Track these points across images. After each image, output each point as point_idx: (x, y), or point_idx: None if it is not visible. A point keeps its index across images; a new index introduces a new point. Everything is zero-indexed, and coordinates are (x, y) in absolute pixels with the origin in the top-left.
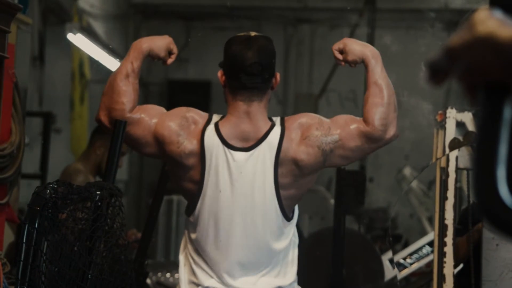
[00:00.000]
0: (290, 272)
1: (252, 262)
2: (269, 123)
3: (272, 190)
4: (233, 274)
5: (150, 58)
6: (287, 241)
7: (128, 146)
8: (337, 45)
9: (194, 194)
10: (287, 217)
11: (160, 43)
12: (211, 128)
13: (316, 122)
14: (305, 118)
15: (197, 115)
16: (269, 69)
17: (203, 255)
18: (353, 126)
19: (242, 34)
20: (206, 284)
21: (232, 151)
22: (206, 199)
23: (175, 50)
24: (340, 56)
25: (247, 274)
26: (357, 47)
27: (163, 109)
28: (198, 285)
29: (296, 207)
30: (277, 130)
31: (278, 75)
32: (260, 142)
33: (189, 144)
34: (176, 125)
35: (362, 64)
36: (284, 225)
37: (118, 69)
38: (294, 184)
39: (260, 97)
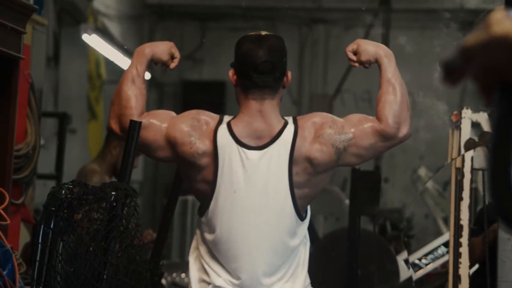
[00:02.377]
0: (300, 274)
1: (266, 263)
2: (282, 121)
3: (286, 189)
4: (246, 275)
5: (154, 63)
6: (298, 241)
7: (140, 151)
8: (350, 47)
9: (207, 194)
10: (301, 216)
11: (162, 47)
12: (223, 127)
13: (329, 121)
14: (318, 117)
15: (208, 117)
16: (280, 67)
17: (216, 254)
18: (366, 125)
19: (253, 33)
20: (217, 283)
21: (245, 150)
22: (220, 198)
23: (177, 54)
24: (353, 57)
25: (260, 275)
26: (370, 47)
27: (172, 113)
28: (209, 283)
29: (308, 208)
30: (290, 128)
31: (289, 74)
32: (274, 140)
33: (202, 145)
34: (188, 126)
35: (376, 64)
36: (297, 225)
37: (123, 76)
38: (308, 183)
39: (272, 96)
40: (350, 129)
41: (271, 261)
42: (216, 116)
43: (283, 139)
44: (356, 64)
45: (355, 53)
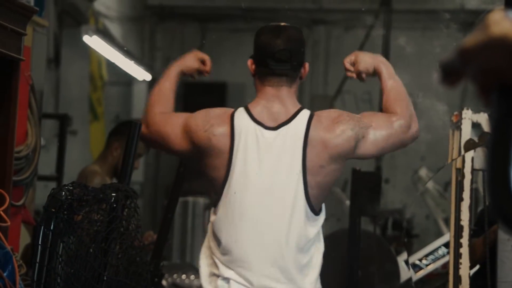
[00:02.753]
0: (310, 275)
1: (274, 252)
2: (299, 106)
3: (299, 169)
4: (254, 266)
5: (190, 76)
6: (312, 236)
7: (159, 147)
8: (348, 58)
9: (221, 178)
10: (312, 208)
11: (188, 60)
12: (241, 110)
13: (346, 113)
14: (333, 111)
15: (223, 108)
16: (298, 57)
17: (224, 243)
18: (383, 116)
19: (272, 23)
20: (226, 275)
21: (262, 129)
22: (234, 178)
23: (205, 56)
24: (351, 68)
25: (270, 266)
26: (368, 58)
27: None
28: (218, 276)
29: (323, 210)
30: (306, 113)
31: (307, 65)
32: (290, 121)
33: (218, 127)
34: (203, 115)
35: (373, 76)
36: (308, 218)
37: (152, 90)
38: (321, 170)
39: (289, 84)
40: (369, 119)
41: (279, 249)
42: (231, 108)
43: (299, 119)
44: (354, 75)
45: (353, 64)
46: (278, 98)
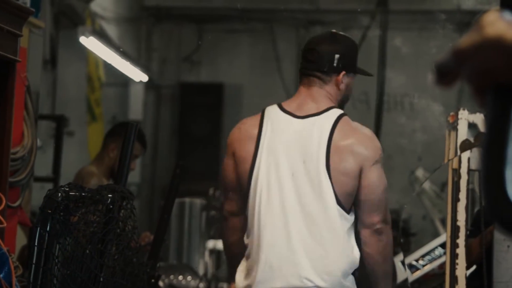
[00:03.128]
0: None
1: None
2: (331, 104)
3: (323, 158)
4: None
5: None
6: (341, 236)
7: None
8: None
9: (248, 170)
10: (339, 201)
11: None
12: (273, 105)
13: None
14: (365, 131)
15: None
16: (328, 60)
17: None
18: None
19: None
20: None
21: (291, 117)
22: (261, 167)
23: None
24: None
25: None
26: None
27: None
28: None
29: (352, 217)
30: (336, 112)
31: (342, 75)
32: (321, 114)
33: (249, 120)
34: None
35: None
36: (335, 211)
37: None
38: (341, 165)
39: (320, 86)
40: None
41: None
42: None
43: (329, 114)
44: None
45: None
46: (311, 96)
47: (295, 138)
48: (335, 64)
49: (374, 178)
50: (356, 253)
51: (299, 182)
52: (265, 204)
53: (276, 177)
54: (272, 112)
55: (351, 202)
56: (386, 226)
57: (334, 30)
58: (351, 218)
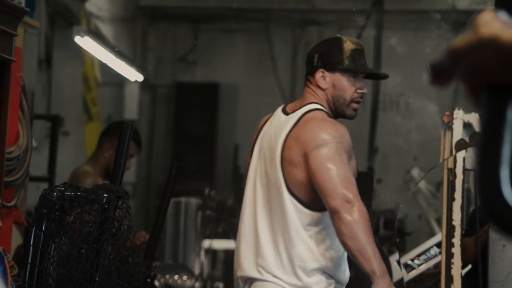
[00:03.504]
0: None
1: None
2: (310, 101)
3: (279, 150)
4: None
5: None
6: (294, 229)
7: None
8: None
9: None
10: (291, 191)
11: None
12: (282, 105)
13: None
14: (320, 121)
15: None
16: (311, 61)
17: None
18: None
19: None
20: None
21: (283, 115)
22: (254, 153)
23: None
24: None
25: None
26: None
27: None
28: None
29: (314, 213)
30: (310, 106)
31: (317, 73)
32: (298, 109)
33: (260, 124)
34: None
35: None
36: (288, 201)
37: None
38: (288, 155)
39: (308, 86)
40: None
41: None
42: None
43: (304, 108)
44: None
45: None
46: (301, 96)
47: (273, 133)
48: (315, 63)
49: (316, 162)
50: (315, 249)
51: (267, 174)
52: (244, 197)
53: (254, 170)
54: (277, 110)
55: (308, 192)
56: (344, 205)
57: (339, 35)
58: (310, 212)
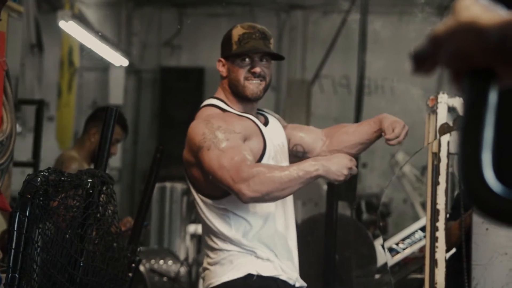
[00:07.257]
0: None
1: None
2: (211, 96)
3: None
4: None
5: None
6: (203, 216)
7: None
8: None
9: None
10: (195, 185)
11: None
12: None
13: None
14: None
15: None
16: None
17: None
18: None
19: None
20: None
21: None
22: None
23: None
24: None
25: None
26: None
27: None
28: None
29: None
30: (204, 102)
31: (218, 64)
32: None
33: None
34: None
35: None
36: (194, 193)
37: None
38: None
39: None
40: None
41: None
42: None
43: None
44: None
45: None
46: None
47: None
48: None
49: (205, 165)
50: (218, 229)
51: None
52: None
53: None
54: None
55: (205, 182)
56: (241, 184)
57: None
58: (209, 201)
